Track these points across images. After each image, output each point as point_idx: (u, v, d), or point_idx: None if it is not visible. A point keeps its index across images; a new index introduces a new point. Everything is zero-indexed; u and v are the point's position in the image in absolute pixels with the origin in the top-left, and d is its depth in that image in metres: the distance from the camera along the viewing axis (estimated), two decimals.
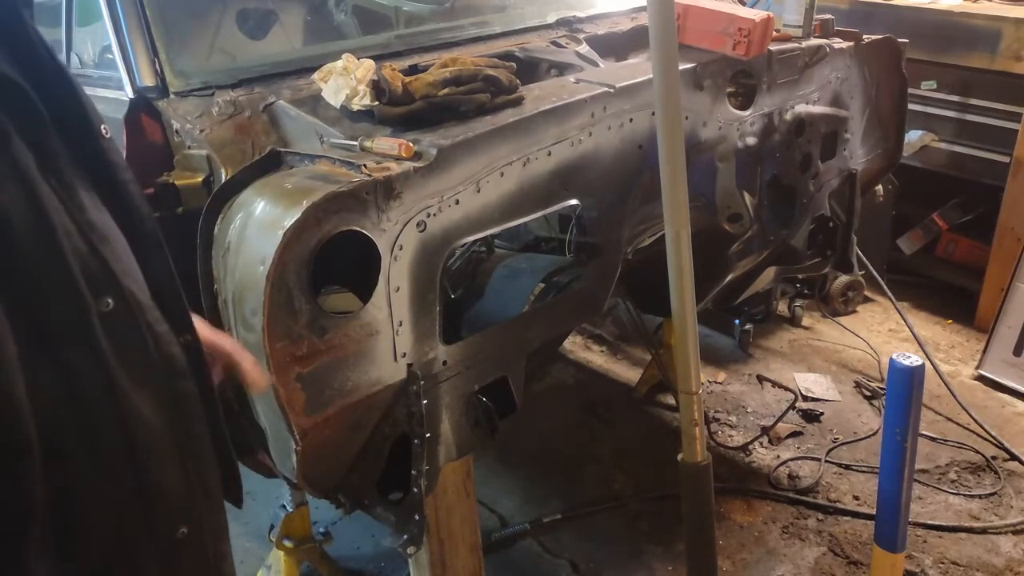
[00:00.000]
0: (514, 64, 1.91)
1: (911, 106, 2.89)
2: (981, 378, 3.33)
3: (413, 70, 1.85)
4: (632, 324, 3.35)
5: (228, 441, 1.08)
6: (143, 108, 1.75)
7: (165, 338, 0.93)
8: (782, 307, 3.70)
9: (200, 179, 1.70)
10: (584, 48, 2.26)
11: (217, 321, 1.49)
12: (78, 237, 0.84)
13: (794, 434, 3.04)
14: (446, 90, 1.71)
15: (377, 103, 1.71)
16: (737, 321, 3.51)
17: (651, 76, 1.71)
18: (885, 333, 3.69)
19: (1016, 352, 3.23)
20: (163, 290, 0.96)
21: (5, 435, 0.75)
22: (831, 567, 2.48)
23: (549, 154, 1.75)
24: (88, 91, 0.95)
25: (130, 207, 0.96)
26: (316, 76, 1.81)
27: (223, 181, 1.59)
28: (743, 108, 2.27)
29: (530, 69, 2.12)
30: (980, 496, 2.73)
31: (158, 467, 0.91)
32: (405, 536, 1.60)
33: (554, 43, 2.26)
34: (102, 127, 0.93)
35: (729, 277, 2.47)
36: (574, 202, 1.84)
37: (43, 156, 0.83)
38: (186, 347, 0.98)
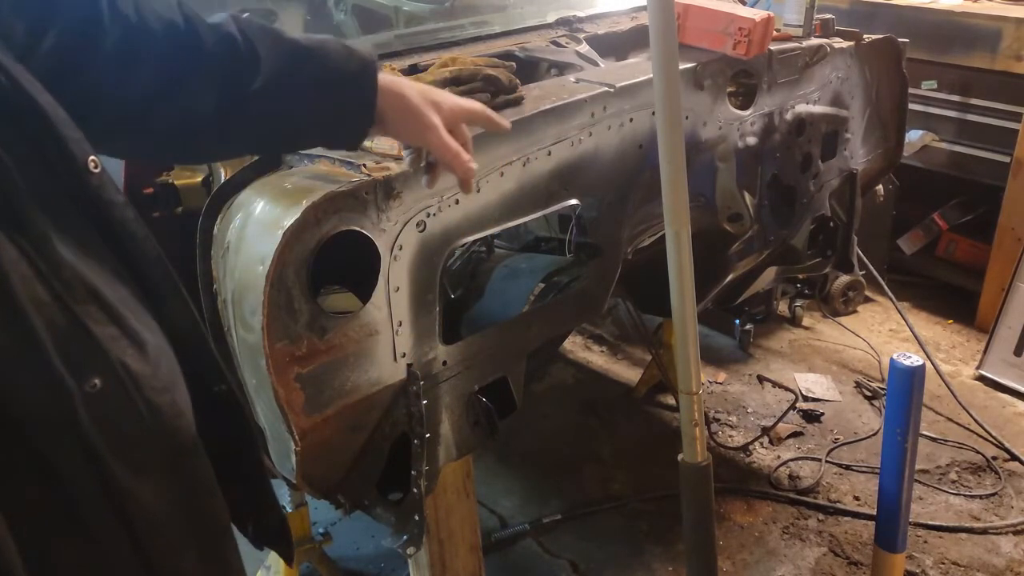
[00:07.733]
0: (514, 64, 1.91)
1: (912, 106, 2.89)
2: (982, 378, 3.32)
3: (413, 70, 1.85)
4: (632, 324, 3.35)
5: (274, 497, 0.99)
6: None
7: (168, 411, 0.78)
8: (782, 307, 3.70)
9: (199, 179, 1.70)
10: (584, 48, 2.26)
11: (216, 321, 1.49)
12: (53, 306, 0.68)
13: (794, 434, 3.04)
14: (446, 90, 1.70)
15: None
16: (737, 321, 3.51)
17: (651, 76, 1.70)
18: (886, 333, 3.69)
19: (1017, 352, 3.23)
20: (185, 338, 0.84)
21: None
22: (832, 567, 2.48)
23: (549, 154, 1.75)
24: None
25: (134, 252, 0.81)
26: None
27: (222, 181, 1.59)
28: (743, 108, 2.27)
29: (530, 69, 2.11)
30: (981, 496, 2.72)
31: (172, 563, 0.80)
32: (405, 536, 1.60)
33: (554, 43, 2.26)
34: (90, 160, 0.77)
35: (729, 277, 2.47)
36: (574, 202, 1.84)
37: (2, 201, 0.67)
38: (221, 397, 0.87)
